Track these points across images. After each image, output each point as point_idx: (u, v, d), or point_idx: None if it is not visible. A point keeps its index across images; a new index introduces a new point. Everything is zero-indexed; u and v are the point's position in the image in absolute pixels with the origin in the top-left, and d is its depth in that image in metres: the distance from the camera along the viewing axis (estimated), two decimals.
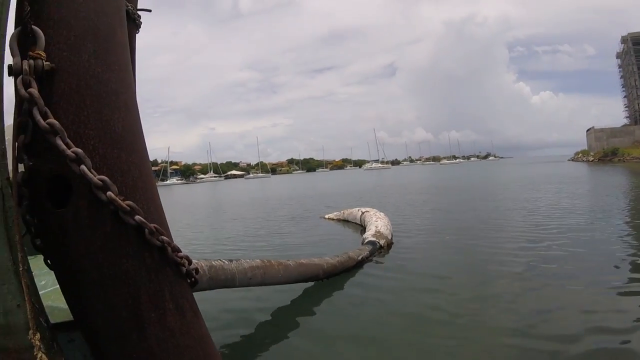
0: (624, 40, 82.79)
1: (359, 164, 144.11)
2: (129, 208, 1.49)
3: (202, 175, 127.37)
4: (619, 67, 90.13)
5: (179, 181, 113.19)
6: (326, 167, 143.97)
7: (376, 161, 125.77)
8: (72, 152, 1.41)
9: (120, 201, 1.47)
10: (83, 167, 1.42)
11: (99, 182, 1.44)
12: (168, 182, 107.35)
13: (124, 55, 1.78)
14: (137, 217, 1.52)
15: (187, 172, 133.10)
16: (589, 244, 7.43)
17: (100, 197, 1.45)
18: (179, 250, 1.74)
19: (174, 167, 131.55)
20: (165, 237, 1.63)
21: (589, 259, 6.37)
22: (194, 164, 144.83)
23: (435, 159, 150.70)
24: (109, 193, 1.45)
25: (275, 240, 10.13)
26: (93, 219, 1.48)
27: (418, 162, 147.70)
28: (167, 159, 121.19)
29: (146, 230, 1.54)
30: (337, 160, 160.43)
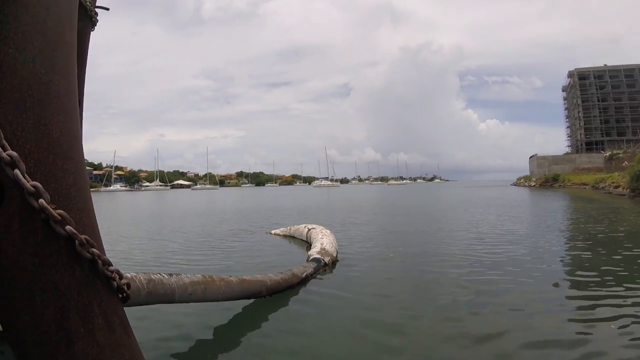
0: (570, 74, 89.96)
1: (308, 180, 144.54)
2: (60, 217, 1.44)
3: (147, 183, 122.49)
4: (564, 100, 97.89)
5: (123, 187, 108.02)
6: (275, 182, 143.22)
7: (326, 178, 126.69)
8: (7, 154, 1.35)
9: (51, 210, 1.41)
10: (17, 171, 1.36)
11: (32, 188, 1.38)
12: (112, 187, 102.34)
13: (70, 56, 1.72)
14: (68, 227, 1.46)
15: (133, 179, 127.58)
16: (529, 265, 7.95)
17: (32, 204, 1.39)
18: (110, 264, 1.68)
19: (119, 172, 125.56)
20: (96, 250, 1.57)
21: (529, 280, 6.81)
22: (140, 171, 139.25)
23: (384, 179, 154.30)
24: (41, 200, 1.39)
25: (218, 254, 9.89)
26: (24, 226, 1.41)
27: (367, 181, 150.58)
28: (112, 164, 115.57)
29: (77, 241, 1.48)
30: (287, 175, 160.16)
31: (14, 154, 1.36)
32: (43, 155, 1.48)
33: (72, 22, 1.80)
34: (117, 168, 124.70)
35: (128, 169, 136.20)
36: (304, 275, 6.86)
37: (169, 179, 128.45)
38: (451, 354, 3.99)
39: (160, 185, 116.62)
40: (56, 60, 1.60)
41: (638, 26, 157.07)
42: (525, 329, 4.50)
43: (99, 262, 1.59)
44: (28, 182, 1.37)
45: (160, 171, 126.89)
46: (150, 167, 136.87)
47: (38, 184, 1.39)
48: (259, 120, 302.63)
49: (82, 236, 1.51)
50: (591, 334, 4.32)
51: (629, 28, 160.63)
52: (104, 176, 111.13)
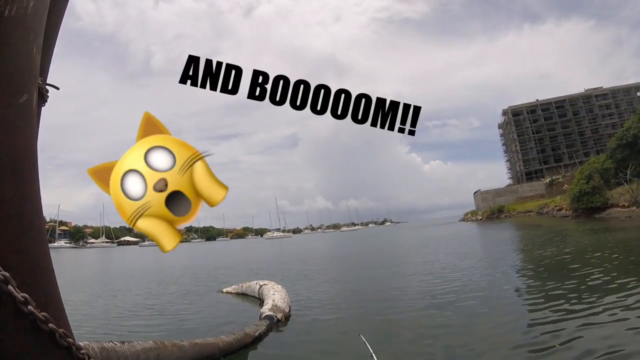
0: (504, 112, 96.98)
1: (260, 232, 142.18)
2: (44, 318, 1.63)
3: (93, 240, 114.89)
4: (500, 136, 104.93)
5: (68, 244, 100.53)
6: (227, 236, 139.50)
7: (277, 229, 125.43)
8: (2, 274, 1.52)
9: (38, 313, 1.63)
10: (10, 287, 1.53)
11: (22, 298, 1.56)
12: (56, 244, 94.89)
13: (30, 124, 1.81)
14: (51, 325, 1.66)
15: (77, 235, 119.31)
16: (485, 298, 8.70)
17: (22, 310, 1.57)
18: (81, 348, 1.83)
19: (63, 227, 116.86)
20: (53, 325, 1.68)
21: (487, 313, 7.54)
22: (85, 226, 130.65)
23: (336, 226, 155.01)
24: (30, 307, 1.64)
25: (169, 317, 9.70)
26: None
27: (319, 229, 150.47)
28: (56, 218, 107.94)
29: (37, 319, 1.62)
30: (238, 228, 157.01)
31: (7, 274, 1.54)
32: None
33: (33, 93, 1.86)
34: (62, 223, 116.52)
35: (73, 224, 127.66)
36: (257, 334, 7.00)
37: (115, 235, 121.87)
38: None
39: (106, 242, 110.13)
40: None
41: (565, 61, 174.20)
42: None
43: (56, 334, 1.70)
44: (19, 293, 1.61)
45: (106, 227, 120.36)
46: (95, 222, 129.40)
47: (26, 296, 1.62)
48: None
49: (42, 313, 1.63)
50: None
51: (557, 63, 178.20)
52: (48, 232, 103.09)
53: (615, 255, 12.97)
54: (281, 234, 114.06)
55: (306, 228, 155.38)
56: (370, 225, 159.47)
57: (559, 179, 68.01)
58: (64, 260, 41.83)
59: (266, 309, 8.31)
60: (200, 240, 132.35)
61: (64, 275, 24.74)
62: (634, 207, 30.20)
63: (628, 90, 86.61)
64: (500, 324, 6.80)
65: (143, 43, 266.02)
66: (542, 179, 78.18)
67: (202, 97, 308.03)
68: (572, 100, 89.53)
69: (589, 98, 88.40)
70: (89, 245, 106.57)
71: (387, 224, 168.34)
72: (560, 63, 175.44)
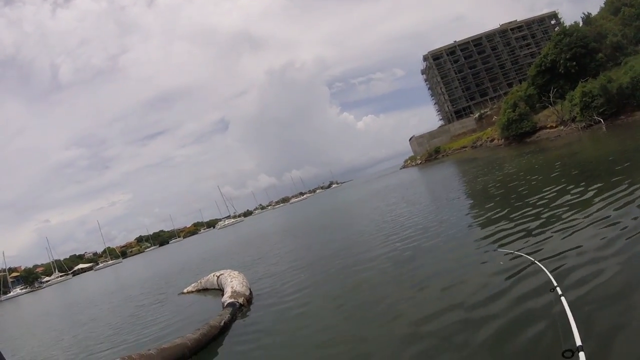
0: (425, 58, 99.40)
1: (211, 224, 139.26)
2: None
3: (47, 278, 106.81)
4: (425, 81, 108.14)
5: (23, 290, 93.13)
6: (179, 236, 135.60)
7: (228, 217, 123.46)
8: None
9: None
10: None
11: None
12: (12, 293, 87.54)
13: None
14: None
15: (30, 277, 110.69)
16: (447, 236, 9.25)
17: None
18: None
19: (14, 274, 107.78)
20: None
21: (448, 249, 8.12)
22: (36, 266, 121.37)
23: (285, 199, 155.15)
24: None
25: (136, 331, 9.61)
26: None
27: (269, 207, 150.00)
28: (4, 266, 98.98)
29: None
30: (188, 226, 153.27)
31: None
32: None
33: None
34: (11, 270, 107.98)
35: (22, 267, 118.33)
36: (222, 324, 7.14)
37: (67, 266, 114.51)
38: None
39: (61, 276, 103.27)
40: None
41: (477, 2, 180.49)
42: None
43: None
44: None
45: (56, 261, 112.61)
46: (44, 259, 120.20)
47: None
48: (143, 177, 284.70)
49: None
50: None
51: (470, 3, 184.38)
52: (0, 282, 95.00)
53: (556, 171, 14.32)
54: (233, 220, 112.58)
55: (256, 209, 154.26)
56: (318, 191, 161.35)
57: (487, 112, 71.77)
58: (25, 308, 38.79)
59: (227, 297, 8.44)
60: (153, 247, 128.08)
61: (29, 321, 23.19)
62: (562, 126, 32.56)
63: (542, 20, 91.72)
64: (469, 254, 7.34)
65: (47, 58, 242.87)
66: (472, 115, 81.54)
67: (120, 99, 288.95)
68: (489, 36, 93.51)
69: (505, 32, 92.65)
70: (45, 284, 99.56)
71: (333, 186, 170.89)
72: (473, 2, 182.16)
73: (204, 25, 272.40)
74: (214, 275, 11.31)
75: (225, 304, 8.18)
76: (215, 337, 6.85)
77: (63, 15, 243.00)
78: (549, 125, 35.25)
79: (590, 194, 8.92)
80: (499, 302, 4.90)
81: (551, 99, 34.93)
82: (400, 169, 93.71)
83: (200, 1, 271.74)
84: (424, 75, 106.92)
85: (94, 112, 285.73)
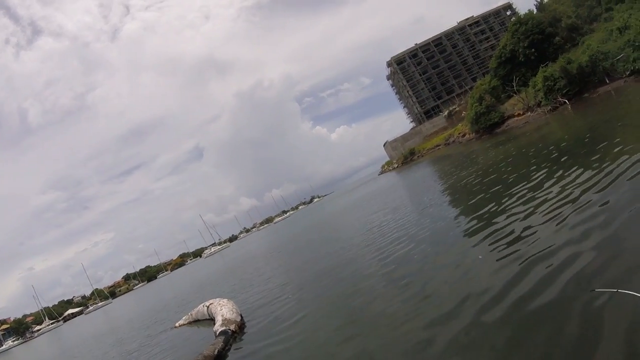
0: (389, 64, 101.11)
1: (197, 253, 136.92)
2: None
3: (38, 327, 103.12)
4: (392, 86, 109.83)
5: (15, 342, 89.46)
6: (166, 270, 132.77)
7: (213, 244, 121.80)
8: None
9: None
10: None
11: None
12: (4, 347, 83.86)
13: None
14: None
15: (21, 328, 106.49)
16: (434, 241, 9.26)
17: None
18: None
19: (4, 326, 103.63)
20: None
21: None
22: (25, 316, 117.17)
23: (268, 220, 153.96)
24: None
25: None
26: None
27: (254, 229, 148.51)
28: None
29: None
30: (174, 258, 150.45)
31: None
32: None
33: None
34: (1, 322, 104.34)
35: (11, 319, 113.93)
36: (216, 353, 7.23)
37: (57, 313, 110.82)
38: None
39: (52, 324, 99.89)
40: None
41: (434, 2, 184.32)
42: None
43: None
44: None
45: (45, 308, 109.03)
46: (33, 307, 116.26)
47: None
48: (123, 214, 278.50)
49: None
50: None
51: (427, 4, 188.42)
52: None
53: (527, 158, 14.69)
54: (219, 247, 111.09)
55: (241, 232, 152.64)
56: (300, 207, 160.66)
57: (455, 108, 73.10)
58: None
59: (218, 326, 8.50)
60: (142, 284, 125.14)
61: None
62: (529, 113, 33.35)
63: (497, 12, 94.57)
64: (464, 251, 7.55)
65: (14, 102, 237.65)
66: (441, 113, 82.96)
67: (92, 138, 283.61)
68: (448, 35, 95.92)
69: (464, 29, 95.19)
70: (36, 333, 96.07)
71: (315, 200, 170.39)
72: (430, 3, 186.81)
73: (168, 55, 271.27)
74: (203, 306, 11.30)
75: (217, 332, 8.25)
76: None
77: (26, 57, 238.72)
78: (516, 114, 36.04)
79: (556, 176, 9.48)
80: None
81: (515, 88, 35.79)
82: (379, 174, 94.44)
83: (163, 30, 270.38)
84: (390, 81, 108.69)
85: (67, 153, 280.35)
